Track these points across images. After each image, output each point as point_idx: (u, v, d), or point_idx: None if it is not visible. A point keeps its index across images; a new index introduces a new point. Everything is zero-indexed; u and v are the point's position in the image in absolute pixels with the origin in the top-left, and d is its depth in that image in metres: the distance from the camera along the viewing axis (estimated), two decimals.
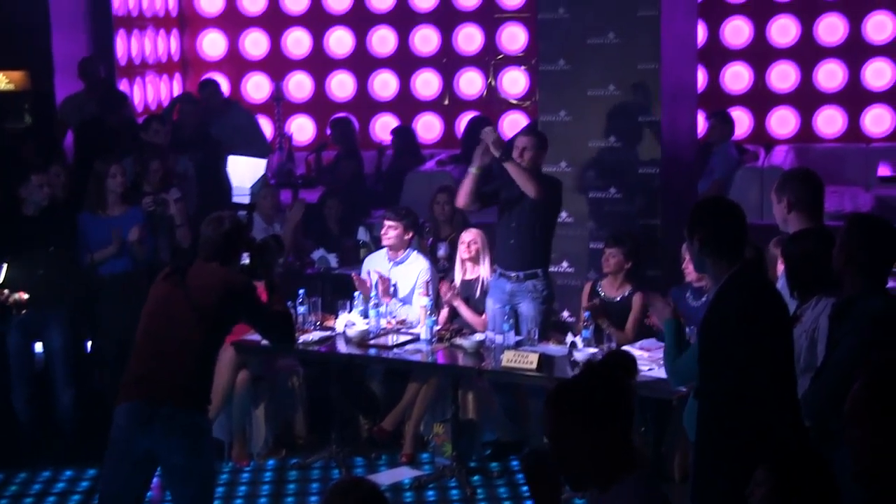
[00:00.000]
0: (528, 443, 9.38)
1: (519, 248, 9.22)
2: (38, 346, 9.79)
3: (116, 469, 6.54)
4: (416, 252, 9.94)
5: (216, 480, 6.84)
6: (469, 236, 9.72)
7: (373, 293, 9.57)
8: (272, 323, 6.85)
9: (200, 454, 6.53)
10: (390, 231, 9.77)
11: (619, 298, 9.16)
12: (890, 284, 6.03)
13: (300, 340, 9.11)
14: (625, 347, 8.44)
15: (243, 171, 7.18)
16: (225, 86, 15.17)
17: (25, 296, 8.39)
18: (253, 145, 12.42)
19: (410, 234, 9.86)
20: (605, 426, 3.73)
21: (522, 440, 9.46)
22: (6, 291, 8.53)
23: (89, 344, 10.29)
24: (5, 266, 8.71)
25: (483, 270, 9.65)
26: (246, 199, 7.07)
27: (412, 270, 9.82)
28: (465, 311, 9.66)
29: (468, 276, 9.73)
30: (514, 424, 9.45)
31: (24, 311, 8.50)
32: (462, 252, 9.75)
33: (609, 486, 3.74)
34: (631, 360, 4.00)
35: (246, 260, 6.90)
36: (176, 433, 6.42)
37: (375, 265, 9.96)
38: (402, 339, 9.14)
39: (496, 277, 9.38)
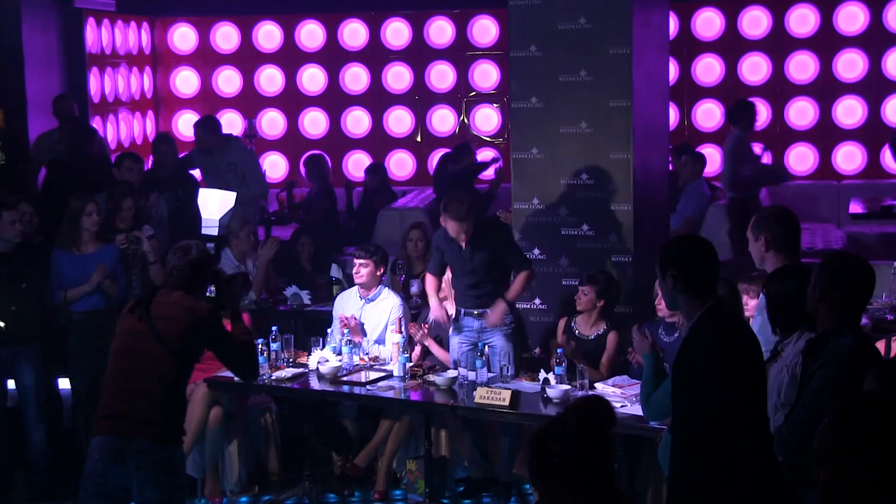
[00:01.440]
0: (496, 481, 9.38)
1: (477, 288, 9.31)
2: (11, 384, 9.76)
3: (90, 499, 6.51)
4: (387, 289, 9.95)
5: None
6: (444, 275, 9.73)
7: (345, 330, 9.59)
8: (235, 352, 6.78)
9: (173, 488, 6.49)
10: (362, 269, 9.77)
11: (593, 336, 9.17)
12: (864, 321, 6.07)
13: (272, 377, 9.11)
14: (597, 384, 8.46)
15: (214, 204, 7.19)
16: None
17: (1, 323, 8.38)
18: (247, 183, 12.43)
19: (381, 270, 9.87)
20: (587, 472, 3.72)
21: (491, 478, 9.44)
22: None
23: (61, 381, 10.27)
24: None
25: (452, 308, 9.66)
26: (214, 231, 7.05)
27: (384, 308, 9.82)
28: (437, 350, 9.67)
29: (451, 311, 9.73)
30: (484, 461, 9.44)
31: None
32: (446, 291, 9.75)
33: None
34: (611, 410, 3.94)
35: (212, 292, 6.91)
36: (148, 468, 6.40)
37: (347, 303, 9.96)
38: (375, 375, 9.13)
39: (462, 316, 9.41)
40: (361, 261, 9.77)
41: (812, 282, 5.69)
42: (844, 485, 3.12)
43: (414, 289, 10.68)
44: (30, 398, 9.61)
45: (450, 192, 10.21)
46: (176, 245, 6.88)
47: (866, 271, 5.73)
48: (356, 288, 9.91)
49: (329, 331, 9.87)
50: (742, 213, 12.39)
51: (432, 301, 9.57)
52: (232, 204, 7.29)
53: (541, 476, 3.75)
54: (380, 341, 9.73)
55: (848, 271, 5.68)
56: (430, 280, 9.67)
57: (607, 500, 3.73)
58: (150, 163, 13.05)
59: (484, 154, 15.02)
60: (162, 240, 10.82)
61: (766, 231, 6.61)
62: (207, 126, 12.76)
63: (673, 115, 14.09)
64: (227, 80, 16.12)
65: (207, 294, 6.86)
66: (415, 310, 10.29)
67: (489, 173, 14.23)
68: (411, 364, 9.17)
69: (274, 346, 9.35)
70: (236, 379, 9.08)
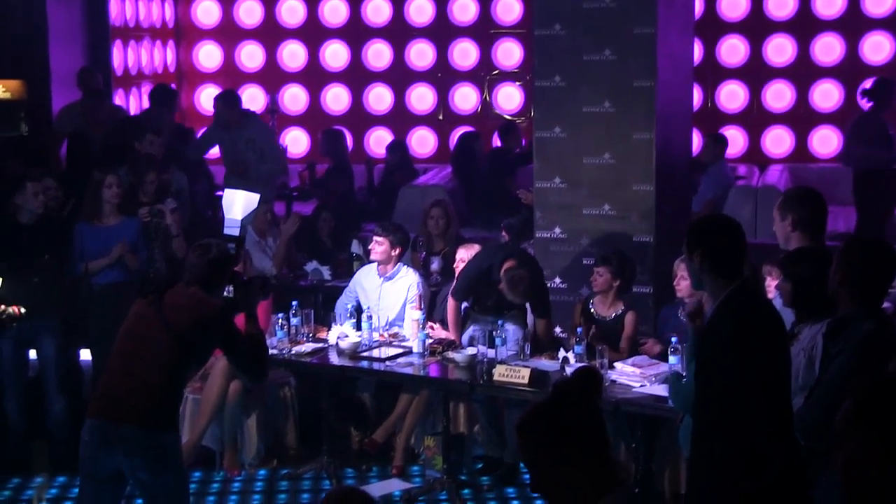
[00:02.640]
0: (503, 462, 9.42)
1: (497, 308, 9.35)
2: (32, 354, 9.81)
3: (86, 484, 6.55)
4: (405, 267, 9.96)
5: (187, 493, 6.75)
6: (465, 253, 9.71)
7: (366, 305, 9.63)
8: (244, 354, 6.74)
9: (164, 471, 6.44)
10: (377, 246, 9.81)
11: (611, 317, 9.16)
12: (885, 305, 6.04)
13: (292, 351, 9.15)
14: (617, 364, 8.46)
15: (237, 204, 7.16)
16: None
17: (22, 310, 8.40)
18: (265, 159, 12.45)
19: (398, 250, 9.85)
20: (578, 448, 3.68)
21: (502, 456, 9.49)
22: (1, 306, 8.53)
23: (82, 353, 10.32)
24: (0, 280, 8.72)
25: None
26: (236, 232, 7.01)
27: (402, 286, 9.84)
28: (444, 333, 9.61)
29: None
30: (500, 440, 9.45)
31: (15, 325, 8.48)
32: (459, 268, 9.72)
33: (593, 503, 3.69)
34: (597, 378, 3.88)
35: (230, 292, 6.88)
36: (138, 453, 6.37)
37: (366, 279, 9.99)
38: (394, 351, 9.16)
39: (474, 313, 9.43)
40: (378, 238, 9.81)
41: (833, 265, 5.68)
42: (865, 467, 3.12)
43: (434, 266, 10.69)
44: (50, 369, 9.66)
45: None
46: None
47: (888, 255, 5.72)
48: (375, 264, 9.93)
49: (348, 307, 9.87)
50: (863, 187, 12.59)
51: (453, 334, 9.44)
52: (255, 206, 7.29)
53: (531, 457, 3.73)
54: (399, 319, 9.74)
55: (869, 255, 5.66)
56: (452, 307, 9.41)
57: (599, 472, 3.70)
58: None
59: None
60: (184, 213, 10.84)
61: (793, 211, 6.61)
62: (227, 101, 12.77)
63: (697, 95, 14.03)
64: (250, 55, 16.12)
65: (224, 294, 6.84)
66: (434, 287, 10.30)
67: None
68: (430, 341, 9.18)
69: (294, 320, 9.38)
70: None
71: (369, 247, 9.96)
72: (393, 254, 9.81)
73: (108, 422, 6.41)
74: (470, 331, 9.44)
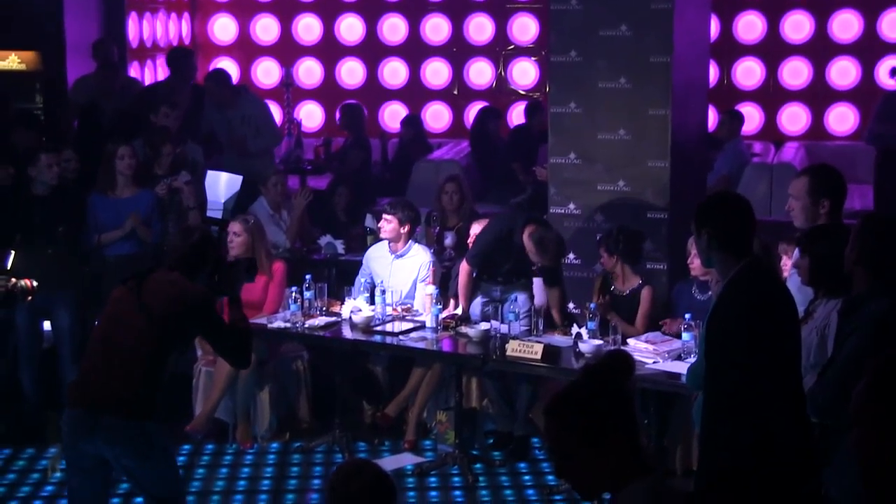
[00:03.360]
0: (515, 433, 9.46)
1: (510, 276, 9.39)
2: (47, 325, 9.84)
3: (73, 475, 6.48)
4: (417, 245, 9.96)
5: (175, 474, 6.69)
6: (480, 228, 9.70)
7: (378, 280, 9.64)
8: (226, 340, 6.58)
9: (150, 455, 6.35)
10: (386, 224, 9.80)
11: (627, 292, 9.16)
12: None
13: (305, 325, 9.16)
14: (630, 340, 8.45)
15: (220, 186, 7.09)
16: (234, 71, 15.19)
17: (34, 283, 8.40)
18: (261, 135, 12.43)
19: (406, 228, 9.83)
20: (607, 434, 3.61)
21: (512, 430, 9.51)
22: (13, 279, 8.54)
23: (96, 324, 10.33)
24: (13, 253, 8.73)
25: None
26: (219, 214, 6.91)
27: (413, 265, 9.84)
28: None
29: None
30: (512, 413, 9.46)
31: (29, 298, 8.48)
32: (470, 242, 9.72)
33: (619, 491, 3.63)
34: (628, 362, 3.78)
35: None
36: (119, 442, 6.28)
37: (377, 256, 9.99)
38: (408, 326, 9.16)
39: (483, 284, 9.40)
40: (386, 216, 9.81)
41: (850, 243, 5.65)
42: (880, 445, 3.11)
43: (448, 241, 10.68)
44: (65, 340, 9.69)
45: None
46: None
47: None
48: (387, 242, 9.93)
49: (359, 281, 9.89)
50: (884, 166, 12.59)
51: (462, 301, 9.42)
52: (237, 188, 7.20)
53: (557, 441, 3.67)
54: (409, 298, 9.74)
55: (886, 233, 5.64)
56: (465, 272, 9.38)
57: (627, 459, 3.64)
58: None
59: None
60: (198, 186, 10.84)
61: (834, 194, 6.60)
62: (218, 80, 12.72)
63: (713, 72, 13.98)
64: (265, 29, 16.09)
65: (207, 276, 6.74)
66: (448, 262, 10.30)
67: None
68: (444, 316, 9.18)
69: (307, 294, 9.38)
70: (270, 325, 9.18)
71: (378, 225, 9.97)
72: (402, 231, 9.79)
73: (86, 411, 6.31)
74: (479, 302, 9.42)
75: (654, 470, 3.67)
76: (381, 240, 10.16)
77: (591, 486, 3.68)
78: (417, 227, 10.34)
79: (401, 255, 9.86)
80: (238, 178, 7.08)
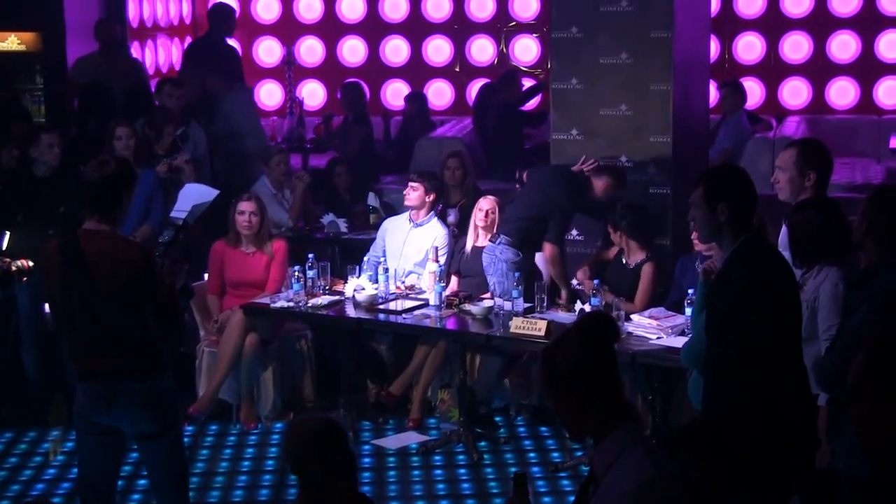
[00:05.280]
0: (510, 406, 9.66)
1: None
2: (48, 307, 9.82)
3: (84, 444, 6.39)
4: (437, 219, 9.99)
5: (184, 454, 6.64)
6: (487, 204, 9.71)
7: (390, 250, 9.67)
8: (164, 304, 6.22)
9: (167, 421, 6.30)
10: (412, 192, 9.88)
11: (633, 265, 9.24)
12: None
13: (308, 304, 9.16)
14: (633, 316, 8.47)
15: (192, 194, 6.97)
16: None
17: (30, 263, 8.39)
18: (248, 133, 12.44)
19: (432, 197, 9.91)
20: (591, 382, 3.85)
21: (507, 405, 9.67)
22: (8, 259, 8.54)
23: None
24: (7, 234, 8.72)
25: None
26: (182, 215, 6.72)
27: (429, 235, 9.87)
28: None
29: (479, 243, 9.71)
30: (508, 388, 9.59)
31: (25, 279, 8.47)
32: (479, 219, 9.72)
33: (606, 435, 3.85)
34: (611, 324, 4.00)
35: (167, 235, 6.57)
36: (137, 405, 6.19)
37: (396, 226, 10.04)
38: (411, 304, 9.16)
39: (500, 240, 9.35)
40: (413, 184, 9.92)
41: (860, 214, 5.65)
42: (879, 419, 3.11)
43: (451, 218, 10.69)
44: (60, 323, 9.66)
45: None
46: (95, 158, 6.54)
47: None
48: (407, 213, 10.00)
49: (366, 258, 9.91)
50: None
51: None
52: (210, 200, 7.05)
53: (549, 386, 3.92)
54: (420, 266, 9.76)
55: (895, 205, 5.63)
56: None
57: (610, 400, 3.87)
58: None
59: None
60: (202, 166, 10.85)
61: (818, 167, 6.59)
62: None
63: (714, 47, 13.93)
64: (266, 7, 16.04)
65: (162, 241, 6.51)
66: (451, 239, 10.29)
67: (533, 103, 14.23)
68: (447, 293, 9.18)
69: (310, 273, 9.39)
70: (273, 305, 9.18)
71: (404, 192, 9.99)
72: (427, 200, 9.87)
73: (104, 385, 6.18)
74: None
75: (635, 418, 3.93)
76: (385, 216, 10.19)
77: (576, 426, 3.94)
78: (438, 204, 10.30)
79: (419, 225, 9.92)
80: (213, 192, 6.97)
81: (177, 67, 14.76)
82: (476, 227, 9.74)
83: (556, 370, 3.87)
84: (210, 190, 7.02)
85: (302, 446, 4.90)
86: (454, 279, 9.70)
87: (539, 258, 9.52)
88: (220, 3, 13.97)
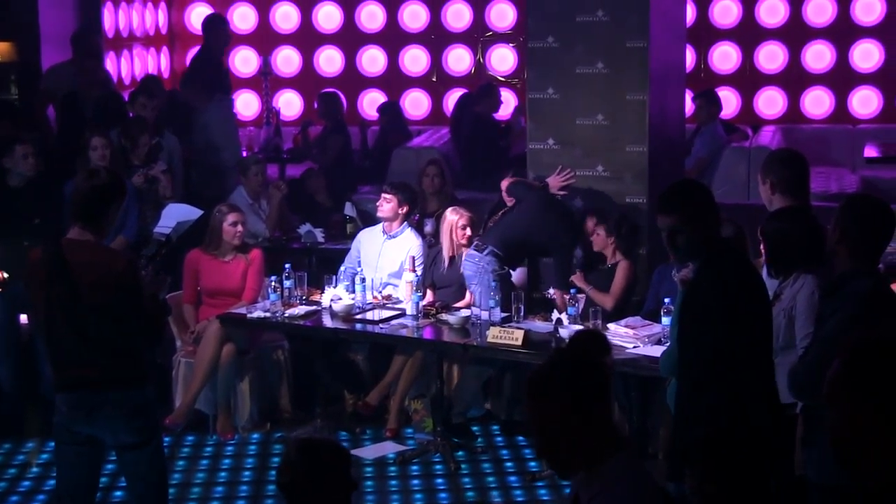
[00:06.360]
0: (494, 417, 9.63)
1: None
2: (24, 318, 9.78)
3: (63, 454, 6.36)
4: (410, 229, 9.98)
5: (165, 466, 6.60)
6: (465, 220, 9.67)
7: (365, 262, 9.65)
8: (146, 318, 6.24)
9: (149, 431, 6.30)
10: (385, 203, 9.86)
11: (609, 265, 9.28)
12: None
13: (285, 314, 9.15)
14: (610, 325, 8.47)
15: (176, 212, 6.94)
16: None
17: (4, 274, 8.35)
18: (224, 146, 12.41)
19: (405, 208, 9.89)
20: (584, 409, 3.65)
21: (487, 414, 9.66)
22: None
23: None
24: None
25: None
26: (166, 231, 6.68)
27: (403, 246, 9.86)
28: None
29: (455, 253, 9.70)
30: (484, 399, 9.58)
31: (0, 290, 8.43)
32: (461, 237, 9.66)
33: (595, 467, 3.69)
34: (601, 338, 3.90)
35: (149, 253, 6.53)
36: (120, 416, 6.18)
37: (370, 238, 10.02)
38: (388, 314, 9.16)
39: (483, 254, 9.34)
40: (386, 195, 9.90)
41: (833, 222, 5.68)
42: (854, 427, 3.11)
43: (427, 228, 10.68)
44: (43, 334, 9.62)
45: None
46: (87, 169, 6.50)
47: (887, 214, 5.72)
48: (381, 224, 9.97)
49: (342, 269, 9.91)
50: None
51: None
52: (193, 219, 7.00)
53: (539, 402, 3.70)
54: (395, 277, 9.75)
55: (868, 214, 5.67)
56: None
57: (603, 427, 3.70)
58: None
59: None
60: (175, 176, 10.82)
61: (772, 174, 6.61)
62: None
63: (690, 56, 13.98)
64: (243, 17, 16.02)
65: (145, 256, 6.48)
66: (429, 247, 10.29)
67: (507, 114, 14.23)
68: (424, 303, 9.18)
69: (287, 283, 9.37)
70: (250, 315, 9.17)
71: (377, 203, 9.98)
72: (400, 212, 9.86)
73: (86, 393, 6.16)
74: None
75: (628, 446, 3.73)
76: (363, 228, 10.20)
77: (567, 462, 3.72)
78: (414, 214, 10.32)
79: (393, 236, 9.91)
80: (197, 212, 6.95)
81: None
82: (453, 240, 9.71)
83: (551, 394, 3.66)
84: (194, 210, 7.03)
85: (307, 470, 4.77)
86: (429, 292, 9.68)
87: (516, 275, 9.57)
88: (215, 13, 14.00)
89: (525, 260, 9.81)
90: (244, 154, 12.91)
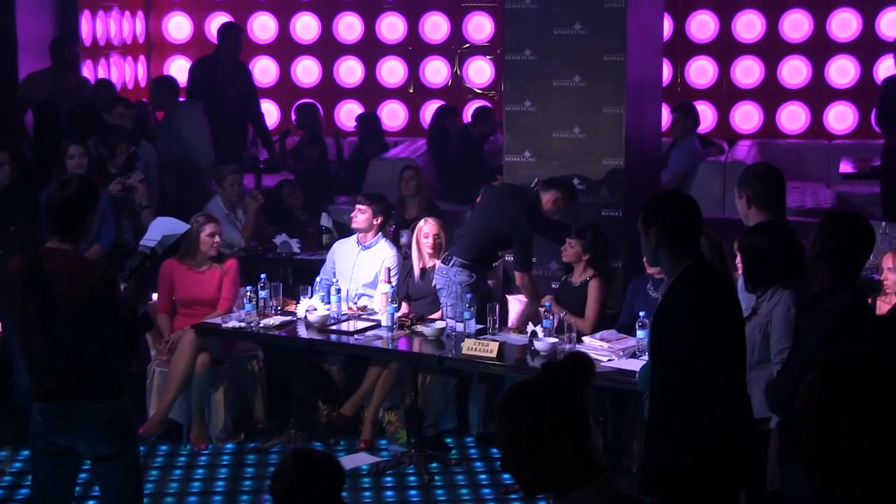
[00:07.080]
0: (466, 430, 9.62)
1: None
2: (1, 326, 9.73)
3: (40, 459, 6.32)
4: (385, 240, 9.98)
5: (140, 467, 6.58)
6: (432, 229, 9.70)
7: (339, 273, 9.65)
8: (121, 328, 6.16)
9: (125, 442, 6.27)
10: (359, 215, 9.85)
11: (578, 283, 9.27)
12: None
13: (260, 324, 9.14)
14: (585, 338, 8.49)
15: (163, 226, 6.92)
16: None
17: None
18: (197, 150, 12.39)
19: (380, 220, 9.89)
20: (555, 434, 3.54)
21: (460, 426, 9.68)
22: None
23: None
24: None
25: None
26: (151, 244, 6.64)
27: (378, 257, 9.86)
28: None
29: (427, 265, 9.72)
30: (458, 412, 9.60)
31: None
32: (426, 246, 9.69)
33: (565, 493, 3.57)
34: (589, 367, 3.74)
35: (131, 267, 6.47)
36: (95, 427, 6.15)
37: (344, 249, 10.02)
38: (363, 325, 9.15)
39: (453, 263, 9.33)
40: (360, 206, 9.88)
41: (812, 237, 5.71)
42: (829, 442, 3.11)
43: (403, 239, 10.68)
44: (15, 341, 9.58)
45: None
46: (60, 178, 6.49)
47: (866, 230, 5.74)
48: (355, 235, 9.96)
49: (318, 279, 9.91)
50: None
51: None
52: (181, 232, 7.01)
53: (508, 437, 3.59)
54: (370, 288, 9.75)
55: (848, 229, 5.70)
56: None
57: (578, 455, 3.58)
58: None
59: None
60: (152, 185, 10.80)
61: (748, 188, 6.64)
62: (167, 86, 12.79)
63: (666, 70, 14.02)
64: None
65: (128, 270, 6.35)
66: (405, 259, 10.28)
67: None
68: (399, 314, 9.18)
69: (262, 293, 9.36)
70: (224, 325, 9.15)
71: (351, 215, 9.98)
72: (374, 222, 9.86)
73: (61, 403, 6.13)
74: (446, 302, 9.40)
75: (603, 475, 3.59)
76: (338, 239, 10.20)
77: (533, 482, 3.62)
78: (390, 224, 10.33)
79: (367, 247, 9.90)
80: (184, 226, 6.93)
81: (129, 87, 14.71)
82: (422, 251, 9.73)
83: (526, 418, 3.55)
84: (182, 224, 7.00)
85: (299, 482, 4.76)
86: (404, 304, 9.68)
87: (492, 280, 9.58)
88: (229, 21, 14.01)
89: (498, 257, 9.75)
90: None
